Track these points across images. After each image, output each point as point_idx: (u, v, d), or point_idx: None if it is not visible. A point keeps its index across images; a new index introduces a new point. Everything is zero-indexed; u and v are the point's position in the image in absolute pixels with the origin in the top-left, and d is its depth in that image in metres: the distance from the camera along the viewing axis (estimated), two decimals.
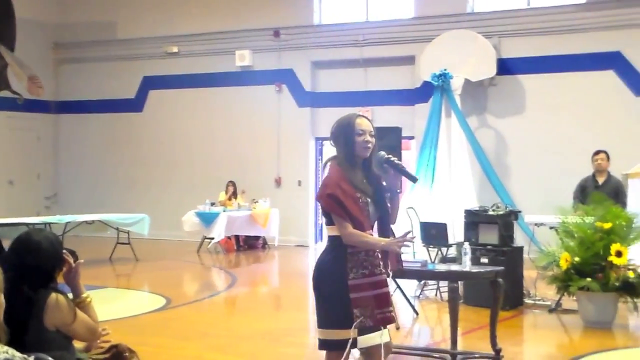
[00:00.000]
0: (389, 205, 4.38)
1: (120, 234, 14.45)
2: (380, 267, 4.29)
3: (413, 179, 4.46)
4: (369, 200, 4.29)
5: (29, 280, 3.99)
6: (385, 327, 4.30)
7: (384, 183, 4.38)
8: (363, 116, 4.45)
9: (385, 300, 4.28)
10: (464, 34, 15.33)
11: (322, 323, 4.34)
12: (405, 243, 4.26)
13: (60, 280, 4.24)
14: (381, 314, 4.25)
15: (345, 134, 4.33)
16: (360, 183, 4.29)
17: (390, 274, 4.40)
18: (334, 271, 4.25)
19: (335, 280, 4.23)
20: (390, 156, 4.38)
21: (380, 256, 4.30)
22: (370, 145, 4.31)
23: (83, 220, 14.13)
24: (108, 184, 19.44)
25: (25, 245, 4.13)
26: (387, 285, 4.32)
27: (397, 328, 8.23)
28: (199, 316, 9.45)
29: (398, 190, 4.29)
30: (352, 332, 4.16)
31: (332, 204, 4.22)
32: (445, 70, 14.76)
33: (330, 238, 4.33)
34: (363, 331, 4.23)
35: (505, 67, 15.40)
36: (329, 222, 4.32)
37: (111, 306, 10.18)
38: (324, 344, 4.34)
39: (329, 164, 4.43)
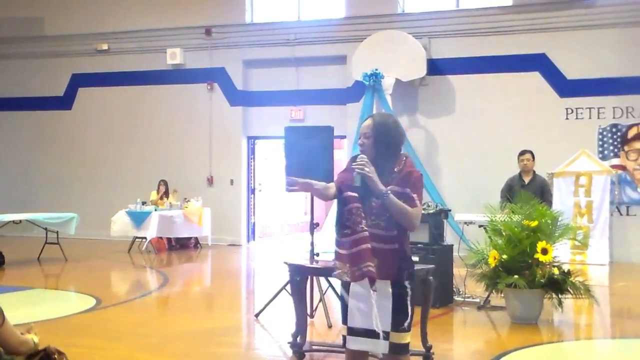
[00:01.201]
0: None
1: (49, 233, 14.19)
2: (362, 225, 4.33)
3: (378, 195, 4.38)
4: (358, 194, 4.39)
5: None
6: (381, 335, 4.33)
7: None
8: (370, 117, 4.59)
9: (362, 257, 4.31)
10: (394, 34, 15.50)
11: None
12: (357, 168, 4.33)
13: None
14: (358, 270, 4.31)
15: None
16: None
17: None
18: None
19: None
20: (356, 167, 4.38)
21: (362, 214, 4.35)
22: (360, 146, 4.49)
23: (10, 220, 13.84)
24: (36, 182, 19.07)
25: None
26: (366, 242, 4.32)
27: (329, 326, 8.30)
28: (130, 316, 9.36)
29: (385, 195, 4.28)
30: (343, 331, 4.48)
31: None
32: (376, 70, 14.92)
33: None
34: (353, 331, 4.41)
35: (435, 67, 15.63)
36: None
37: (40, 307, 10.02)
38: None
39: None
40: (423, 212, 9.52)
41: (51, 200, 17.94)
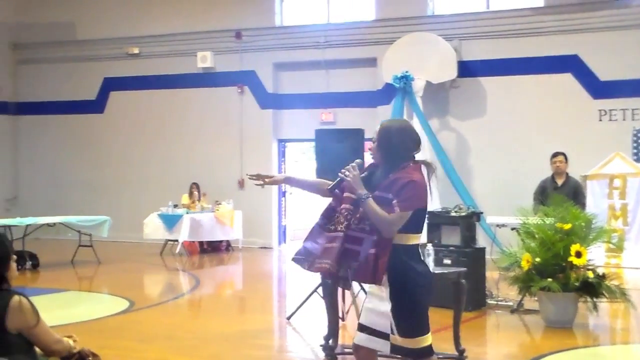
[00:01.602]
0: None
1: (82, 236, 14.32)
2: (342, 225, 4.53)
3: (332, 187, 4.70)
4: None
5: None
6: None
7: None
8: (381, 123, 4.78)
9: (327, 253, 4.52)
10: (425, 36, 15.44)
11: None
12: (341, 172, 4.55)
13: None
14: (318, 263, 4.55)
15: None
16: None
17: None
18: None
19: None
20: (341, 171, 4.58)
21: (348, 217, 4.54)
22: (370, 150, 4.72)
23: (44, 223, 14.01)
24: (69, 185, 19.24)
25: None
26: (337, 242, 4.51)
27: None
28: (162, 319, 9.41)
29: (362, 198, 4.42)
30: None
31: None
32: (406, 72, 14.87)
33: None
34: (361, 327, 4.63)
35: (466, 69, 15.54)
36: None
37: (73, 309, 10.12)
38: None
39: None
40: (455, 214, 9.55)
41: (84, 203, 18.10)
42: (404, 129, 4.65)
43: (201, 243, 16.25)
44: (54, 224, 14.11)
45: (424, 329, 4.48)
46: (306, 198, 19.36)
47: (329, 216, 4.67)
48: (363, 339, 4.59)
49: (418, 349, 4.45)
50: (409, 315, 4.44)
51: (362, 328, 4.60)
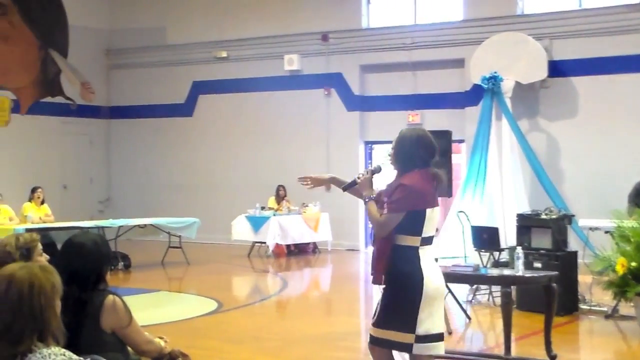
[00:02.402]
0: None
1: (172, 237, 14.58)
2: None
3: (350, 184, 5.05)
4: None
5: (78, 282, 4.03)
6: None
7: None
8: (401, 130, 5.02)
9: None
10: (514, 36, 15.16)
11: None
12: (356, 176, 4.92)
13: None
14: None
15: None
16: None
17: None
18: None
19: None
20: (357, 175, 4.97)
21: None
22: (389, 157, 4.96)
23: (135, 225, 14.31)
24: (159, 187, 19.61)
25: (71, 248, 4.19)
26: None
27: (449, 333, 8.16)
28: (250, 320, 9.48)
29: (365, 200, 4.81)
30: None
31: None
32: (495, 73, 14.59)
33: None
34: None
35: (557, 69, 15.19)
36: None
37: (164, 309, 10.30)
38: None
39: None
40: (545, 217, 9.34)
41: (174, 205, 18.42)
42: (420, 138, 4.85)
43: (288, 245, 16.33)
44: (145, 225, 14.41)
45: (398, 326, 4.61)
46: None
47: None
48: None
49: (387, 340, 4.67)
50: (386, 309, 4.66)
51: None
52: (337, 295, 12.07)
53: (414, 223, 4.63)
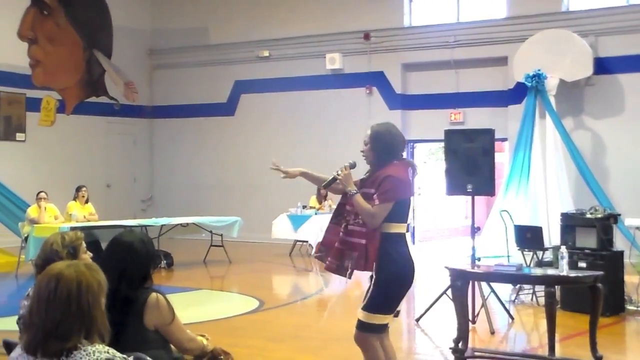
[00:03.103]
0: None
1: (214, 236, 14.65)
2: (346, 221, 5.17)
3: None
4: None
5: (126, 280, 4.06)
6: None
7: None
8: (370, 127, 5.28)
9: (331, 250, 5.19)
10: (558, 33, 14.98)
11: None
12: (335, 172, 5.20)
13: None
14: (327, 260, 5.24)
15: None
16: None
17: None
18: None
19: None
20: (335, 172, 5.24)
21: (349, 211, 5.16)
22: (362, 152, 5.27)
23: (178, 223, 14.42)
24: (201, 186, 19.73)
25: (118, 247, 4.22)
26: (337, 237, 5.18)
27: (492, 332, 8.09)
28: (291, 318, 9.49)
29: (352, 192, 5.04)
30: None
31: None
32: (539, 70, 14.45)
33: None
34: None
35: (603, 66, 14.98)
36: None
37: (206, 308, 10.34)
38: None
39: None
40: (590, 216, 9.21)
41: (216, 204, 18.51)
42: (393, 132, 5.19)
43: None
44: (187, 224, 14.50)
45: (384, 309, 5.02)
46: (434, 199, 19.19)
47: (339, 212, 5.26)
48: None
49: (372, 324, 5.01)
50: (379, 294, 4.94)
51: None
52: None
53: (401, 211, 5.00)
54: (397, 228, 4.98)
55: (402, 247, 4.97)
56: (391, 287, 4.96)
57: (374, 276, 4.96)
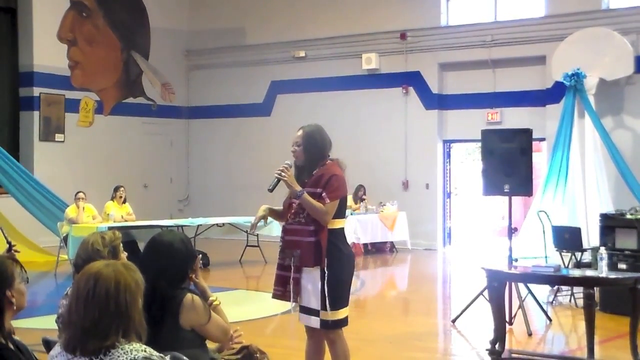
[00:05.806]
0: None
1: (250, 236, 14.69)
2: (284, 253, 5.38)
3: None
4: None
5: (164, 280, 4.09)
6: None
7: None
8: (301, 128, 5.44)
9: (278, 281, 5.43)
10: (598, 31, 14.80)
11: None
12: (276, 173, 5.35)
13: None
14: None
15: None
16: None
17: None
18: None
19: None
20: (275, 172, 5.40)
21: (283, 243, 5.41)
22: (292, 152, 5.44)
23: (214, 223, 14.48)
24: (237, 187, 19.77)
25: (159, 247, 4.25)
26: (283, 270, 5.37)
27: (529, 334, 8.02)
28: None
29: (298, 194, 5.25)
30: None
31: None
32: (578, 69, 14.28)
33: None
34: (300, 308, 5.40)
35: None
36: None
37: (242, 308, 10.37)
38: None
39: None
40: (631, 217, 9.08)
41: (252, 204, 18.45)
42: (323, 133, 5.46)
43: (365, 244, 16.29)
44: (223, 224, 14.57)
45: (344, 302, 5.26)
46: (471, 200, 19.07)
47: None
48: (302, 317, 5.36)
49: (339, 320, 5.22)
50: (335, 289, 5.15)
51: (301, 308, 5.33)
52: (414, 295, 11.98)
53: (342, 208, 5.33)
54: (341, 223, 5.32)
55: (345, 240, 5.35)
56: (345, 278, 5.26)
57: (326, 272, 5.14)
